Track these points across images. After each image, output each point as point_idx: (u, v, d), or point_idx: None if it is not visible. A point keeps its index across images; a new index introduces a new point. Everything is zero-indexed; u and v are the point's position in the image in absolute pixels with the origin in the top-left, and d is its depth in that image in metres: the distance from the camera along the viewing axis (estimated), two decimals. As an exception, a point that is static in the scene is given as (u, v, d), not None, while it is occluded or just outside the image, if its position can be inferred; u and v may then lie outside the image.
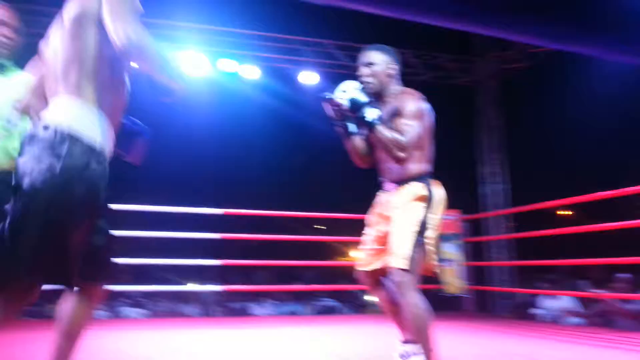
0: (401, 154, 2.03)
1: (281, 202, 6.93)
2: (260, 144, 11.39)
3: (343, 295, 8.13)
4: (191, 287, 8.68)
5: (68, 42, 1.48)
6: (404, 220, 2.03)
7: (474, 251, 6.10)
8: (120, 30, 1.39)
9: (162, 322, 6.23)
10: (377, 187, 2.25)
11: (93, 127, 1.43)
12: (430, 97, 2.14)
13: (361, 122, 2.08)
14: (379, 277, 2.21)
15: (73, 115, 1.42)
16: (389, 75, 2.17)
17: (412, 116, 2.05)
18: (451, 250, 5.73)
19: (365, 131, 2.15)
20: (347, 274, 10.83)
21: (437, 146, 2.18)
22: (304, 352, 2.98)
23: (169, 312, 7.83)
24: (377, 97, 2.15)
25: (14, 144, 1.89)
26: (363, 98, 2.06)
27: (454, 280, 5.69)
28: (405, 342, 2.11)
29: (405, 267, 1.95)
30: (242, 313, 7.95)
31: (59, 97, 1.46)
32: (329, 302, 7.63)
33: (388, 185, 2.18)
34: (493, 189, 7.22)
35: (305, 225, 8.07)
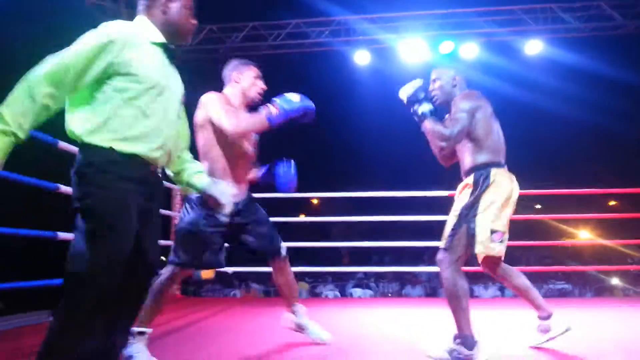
0: (443, 144, 2.23)
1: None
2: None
3: (573, 277, 7.45)
4: (415, 268, 8.96)
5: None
6: (452, 208, 2.30)
7: None
8: None
9: (387, 301, 6.60)
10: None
11: None
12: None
13: (415, 115, 2.32)
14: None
15: None
16: (454, 86, 2.41)
17: (459, 111, 2.24)
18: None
19: (419, 123, 2.37)
20: (577, 255, 9.82)
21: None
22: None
23: (394, 293, 8.22)
24: (446, 104, 2.40)
25: None
26: (421, 95, 2.29)
27: None
28: (542, 318, 2.37)
29: (444, 246, 2.22)
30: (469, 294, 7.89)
31: None
32: (560, 285, 6.96)
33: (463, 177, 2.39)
34: None
35: (524, 207, 7.58)
